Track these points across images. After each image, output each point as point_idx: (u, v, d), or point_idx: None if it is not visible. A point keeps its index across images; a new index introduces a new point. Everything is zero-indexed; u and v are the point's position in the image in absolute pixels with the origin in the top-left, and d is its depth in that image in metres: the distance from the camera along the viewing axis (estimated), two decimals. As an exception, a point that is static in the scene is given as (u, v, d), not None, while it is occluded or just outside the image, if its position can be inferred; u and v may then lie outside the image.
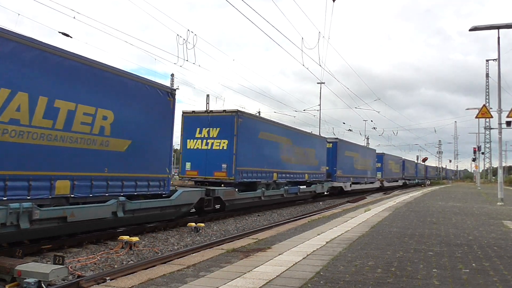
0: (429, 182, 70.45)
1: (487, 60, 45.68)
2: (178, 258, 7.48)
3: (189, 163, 17.33)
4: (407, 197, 24.43)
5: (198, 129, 17.29)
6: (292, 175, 22.17)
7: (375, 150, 43.93)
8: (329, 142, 29.32)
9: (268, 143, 19.32)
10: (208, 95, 50.98)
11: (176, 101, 12.86)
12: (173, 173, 17.77)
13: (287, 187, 21.22)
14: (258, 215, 17.74)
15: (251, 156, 17.71)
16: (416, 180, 67.29)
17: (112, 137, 10.36)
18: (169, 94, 12.52)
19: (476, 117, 23.12)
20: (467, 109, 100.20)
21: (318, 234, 8.91)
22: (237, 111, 16.96)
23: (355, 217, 12.67)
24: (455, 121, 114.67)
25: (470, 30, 19.82)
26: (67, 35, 15.44)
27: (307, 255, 6.61)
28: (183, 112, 17.77)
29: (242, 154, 16.87)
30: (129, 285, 4.92)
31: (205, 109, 17.55)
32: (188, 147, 17.44)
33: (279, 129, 20.87)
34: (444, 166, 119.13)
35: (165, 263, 7.02)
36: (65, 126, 9.10)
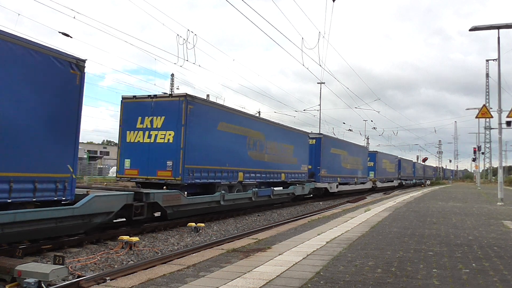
0: (429, 182, 70.35)
1: (487, 60, 45.57)
2: (178, 258, 7.48)
3: (129, 160, 14.24)
4: (407, 197, 24.44)
5: (139, 118, 14.20)
6: (264, 175, 19.17)
7: (366, 147, 41.56)
8: (312, 138, 26.37)
9: (231, 137, 16.29)
10: (208, 95, 50.90)
11: (85, 75, 9.60)
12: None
13: (256, 189, 18.00)
14: (258, 215, 17.74)
15: (206, 152, 14.65)
16: (414, 180, 65.21)
17: None
18: (72, 65, 9.25)
19: (476, 117, 23.14)
20: (467, 109, 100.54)
21: (318, 234, 8.91)
22: (186, 95, 13.78)
23: (355, 217, 12.68)
24: (455, 121, 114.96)
25: (470, 30, 19.85)
26: (67, 35, 15.45)
27: (307, 255, 6.61)
28: (123, 98, 14.73)
29: (193, 148, 13.87)
30: (129, 285, 4.92)
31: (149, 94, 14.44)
32: (128, 141, 14.34)
33: (246, 120, 17.74)
34: (444, 166, 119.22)
35: (165, 263, 7.03)
36: None
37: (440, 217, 12.72)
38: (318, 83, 45.54)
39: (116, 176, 15.09)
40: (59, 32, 15.39)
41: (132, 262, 8.59)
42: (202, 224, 13.00)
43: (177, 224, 13.32)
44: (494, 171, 68.85)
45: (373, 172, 41.42)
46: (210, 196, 14.85)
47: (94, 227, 10.37)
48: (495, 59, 21.22)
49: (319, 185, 26.61)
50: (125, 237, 9.72)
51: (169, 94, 14.49)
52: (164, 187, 13.20)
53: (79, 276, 7.11)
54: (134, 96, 14.65)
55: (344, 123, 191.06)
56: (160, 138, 13.85)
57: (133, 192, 11.43)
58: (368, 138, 73.66)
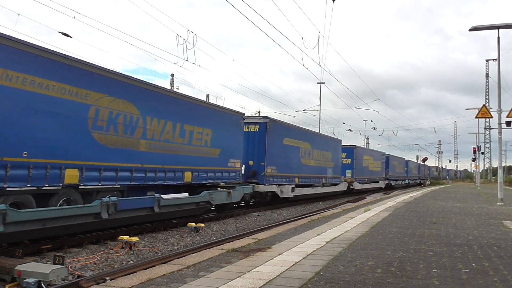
0: (428, 182, 69.95)
1: (487, 60, 45.82)
2: (178, 258, 7.48)
3: None
4: (407, 197, 24.45)
5: None
6: (140, 175, 11.94)
7: (340, 141, 32.33)
8: (252, 123, 19.41)
9: (31, 99, 8.85)
10: (208, 95, 50.90)
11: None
12: None
13: (114, 198, 10.48)
14: (258, 215, 17.73)
15: None
16: (407, 180, 58.21)
17: None
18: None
19: (476, 117, 23.15)
20: (467, 109, 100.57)
21: (318, 234, 8.91)
22: None
23: (355, 217, 12.68)
24: (455, 121, 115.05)
25: (470, 30, 19.86)
26: (67, 35, 15.44)
27: (307, 255, 6.61)
28: None
29: None
30: (129, 285, 4.92)
31: None
32: None
33: (85, 77, 10.13)
34: (444, 166, 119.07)
35: (165, 263, 7.03)
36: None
37: (440, 217, 12.72)
38: (318, 83, 45.56)
39: None
40: (59, 32, 15.38)
41: (132, 262, 8.60)
42: (202, 224, 13.01)
43: (177, 224, 13.33)
44: (494, 171, 68.86)
45: (350, 171, 34.08)
46: None
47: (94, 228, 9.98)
48: (495, 59, 21.25)
49: (263, 188, 19.27)
50: (125, 237, 9.72)
51: None
52: None
53: (79, 276, 7.12)
54: None
55: (344, 123, 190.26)
56: None
57: None
58: (368, 138, 73.62)
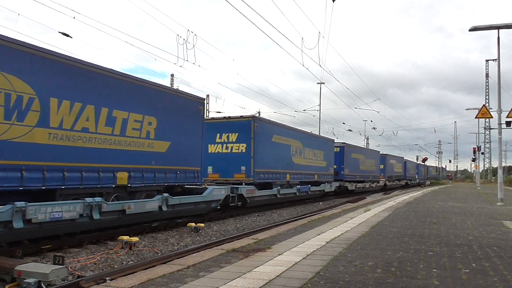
0: (428, 182, 69.83)
1: (487, 60, 45.92)
2: (178, 258, 7.48)
3: None
4: (407, 197, 24.45)
5: None
6: None
7: (332, 140, 29.22)
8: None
9: None
10: (208, 95, 50.93)
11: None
12: None
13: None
14: (258, 215, 17.72)
15: None
16: (404, 180, 54.98)
17: None
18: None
19: (476, 117, 23.17)
20: (467, 109, 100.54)
21: (318, 234, 8.92)
22: None
23: (355, 217, 12.68)
24: (455, 121, 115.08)
25: (470, 30, 19.85)
26: (67, 35, 15.44)
27: (307, 255, 6.61)
28: None
29: None
30: (129, 285, 4.92)
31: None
32: None
33: None
34: (444, 166, 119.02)
35: (165, 263, 7.02)
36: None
37: (440, 217, 12.72)
38: (318, 83, 45.54)
39: None
40: (59, 32, 15.38)
41: (132, 262, 8.59)
42: (202, 224, 13.00)
43: (177, 224, 13.33)
44: (494, 171, 68.84)
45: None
46: None
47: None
48: (495, 59, 21.24)
49: None
50: (125, 237, 9.72)
51: None
52: None
53: (79, 276, 7.11)
54: None
55: (344, 123, 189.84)
56: None
57: None
58: (368, 138, 73.59)
